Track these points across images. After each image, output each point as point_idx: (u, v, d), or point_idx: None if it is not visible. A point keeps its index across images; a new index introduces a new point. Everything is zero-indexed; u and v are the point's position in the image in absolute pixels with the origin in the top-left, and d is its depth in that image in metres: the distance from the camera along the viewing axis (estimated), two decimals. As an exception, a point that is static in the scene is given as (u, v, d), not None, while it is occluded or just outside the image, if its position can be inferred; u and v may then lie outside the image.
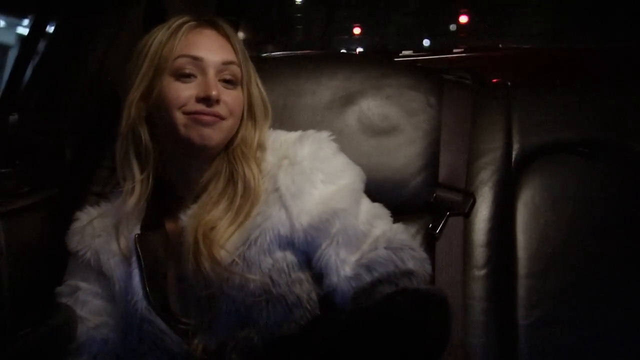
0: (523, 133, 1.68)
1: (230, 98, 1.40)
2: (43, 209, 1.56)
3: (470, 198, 1.63)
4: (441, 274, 1.56)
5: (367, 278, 1.33)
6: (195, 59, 1.39)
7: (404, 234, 1.43)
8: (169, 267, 1.44)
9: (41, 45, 1.66)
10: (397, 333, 1.26)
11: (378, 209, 1.44)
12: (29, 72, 1.64)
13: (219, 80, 1.40)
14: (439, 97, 1.71)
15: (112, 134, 1.47)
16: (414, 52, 2.86)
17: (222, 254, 1.35)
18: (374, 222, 1.40)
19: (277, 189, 1.38)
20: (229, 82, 1.41)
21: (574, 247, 1.59)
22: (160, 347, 1.39)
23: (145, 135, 1.42)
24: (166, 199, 1.47)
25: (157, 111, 1.41)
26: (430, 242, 1.61)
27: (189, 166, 1.44)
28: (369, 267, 1.34)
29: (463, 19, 8.58)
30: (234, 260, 1.35)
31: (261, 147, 1.45)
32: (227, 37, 1.44)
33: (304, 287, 1.38)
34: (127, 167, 1.43)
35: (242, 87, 1.43)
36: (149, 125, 1.43)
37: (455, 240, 1.61)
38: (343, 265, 1.35)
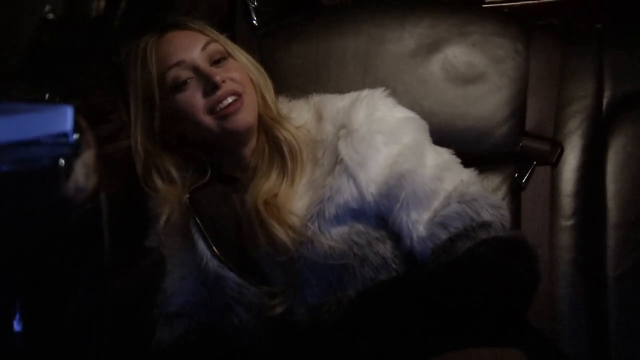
0: (615, 80, 1.63)
1: (231, 71, 1.41)
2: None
3: (558, 147, 1.60)
4: (527, 224, 1.55)
5: (443, 236, 1.31)
6: (180, 64, 1.40)
7: (476, 185, 1.38)
8: (240, 244, 1.45)
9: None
10: (483, 283, 1.25)
11: (447, 159, 1.40)
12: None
13: (211, 65, 1.41)
14: (527, 44, 1.66)
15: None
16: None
17: (294, 219, 1.35)
18: (443, 176, 1.36)
19: (340, 160, 1.36)
20: (220, 60, 1.42)
21: (667, 196, 1.54)
22: (241, 302, 1.40)
23: (166, 164, 1.44)
24: (222, 182, 1.48)
25: (179, 128, 1.43)
26: (515, 192, 1.59)
27: (238, 151, 1.44)
28: (443, 224, 1.32)
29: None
30: (307, 225, 1.35)
31: (318, 115, 1.45)
32: (186, 27, 1.45)
33: (387, 246, 1.37)
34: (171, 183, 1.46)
35: (232, 57, 1.44)
36: (169, 154, 1.44)
37: (542, 190, 1.58)
38: (415, 226, 1.33)
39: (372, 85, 1.50)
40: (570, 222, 1.57)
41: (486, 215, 1.32)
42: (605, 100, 1.62)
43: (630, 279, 1.52)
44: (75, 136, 0.78)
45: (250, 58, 1.49)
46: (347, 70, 1.68)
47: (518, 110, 1.63)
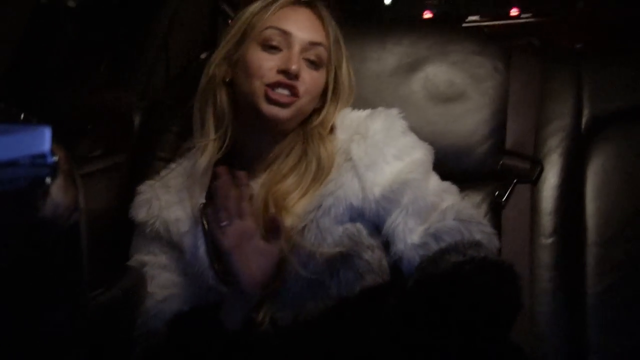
0: (593, 99, 1.64)
1: (310, 78, 1.41)
2: (113, 173, 1.60)
3: (538, 165, 1.61)
4: (507, 242, 1.55)
5: (434, 247, 1.33)
6: (284, 33, 1.41)
7: (473, 209, 1.43)
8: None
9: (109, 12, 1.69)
10: (465, 300, 1.25)
11: (447, 185, 1.44)
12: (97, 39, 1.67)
13: (303, 59, 1.41)
14: (506, 63, 1.68)
15: (180, 99, 1.49)
16: (480, 18, 2.80)
17: (293, 220, 1.36)
18: (444, 195, 1.40)
19: (350, 159, 1.39)
20: (313, 63, 1.42)
21: (646, 214, 1.55)
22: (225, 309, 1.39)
23: (222, 96, 1.45)
24: (236, 168, 1.48)
25: (238, 77, 1.43)
26: (496, 210, 1.60)
27: (262, 137, 1.45)
28: (436, 236, 1.34)
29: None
30: (305, 225, 1.36)
31: (333, 126, 1.47)
32: (321, 19, 1.45)
33: (375, 254, 1.38)
34: (202, 124, 1.46)
35: (327, 70, 1.45)
36: (228, 89, 1.45)
37: (522, 208, 1.59)
38: (411, 233, 1.35)
39: (355, 103, 1.52)
40: (550, 240, 1.57)
41: (478, 236, 1.34)
42: (584, 120, 1.64)
43: (610, 297, 1.52)
44: (53, 157, 0.78)
45: (352, 76, 1.50)
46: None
47: (498, 129, 1.64)
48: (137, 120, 1.74)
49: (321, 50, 1.43)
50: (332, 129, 1.47)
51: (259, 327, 1.36)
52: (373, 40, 1.73)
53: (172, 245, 1.47)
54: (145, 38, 1.76)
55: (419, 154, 1.42)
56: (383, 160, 1.38)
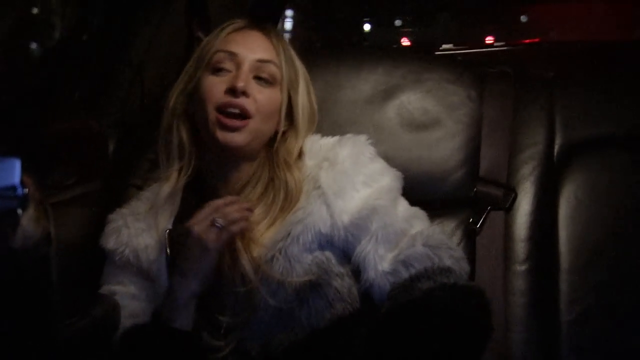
0: (566, 127, 1.66)
1: (262, 96, 1.41)
2: (87, 201, 1.59)
3: (511, 193, 1.62)
4: (481, 268, 1.56)
5: (404, 274, 1.33)
6: (231, 54, 1.41)
7: (442, 234, 1.42)
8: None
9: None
10: (437, 328, 1.26)
11: (416, 210, 1.44)
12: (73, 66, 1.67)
13: (254, 77, 1.41)
14: (480, 91, 1.69)
15: (154, 126, 1.49)
16: (454, 46, 2.83)
17: (261, 250, 1.36)
18: (413, 221, 1.41)
19: (318, 187, 1.39)
20: (264, 80, 1.42)
21: (617, 242, 1.57)
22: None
23: (183, 128, 1.45)
24: (204, 196, 1.47)
25: (195, 107, 1.44)
26: (470, 237, 1.60)
27: (226, 165, 1.45)
28: (406, 263, 1.34)
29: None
30: (274, 255, 1.36)
31: (301, 152, 1.46)
32: (270, 38, 1.45)
33: (344, 282, 1.39)
34: (167, 156, 1.46)
35: (280, 88, 1.44)
36: (189, 120, 1.45)
37: (496, 235, 1.60)
38: (381, 261, 1.35)
39: (329, 130, 1.52)
40: (524, 267, 1.58)
41: (448, 262, 1.34)
42: (556, 147, 1.65)
43: (583, 324, 1.53)
44: (24, 189, 0.78)
45: (313, 101, 1.49)
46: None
47: (472, 156, 1.66)
48: (111, 147, 1.73)
49: (272, 68, 1.42)
50: (300, 155, 1.46)
51: (222, 355, 1.36)
52: (348, 68, 1.74)
53: (142, 273, 1.47)
54: (120, 65, 1.76)
55: (387, 180, 1.42)
56: (352, 188, 1.38)
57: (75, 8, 1.64)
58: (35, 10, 1.61)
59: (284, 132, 1.45)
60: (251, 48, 1.43)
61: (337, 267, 1.39)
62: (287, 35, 3.37)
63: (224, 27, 1.46)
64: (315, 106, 1.50)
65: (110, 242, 1.48)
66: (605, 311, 1.54)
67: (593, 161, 1.63)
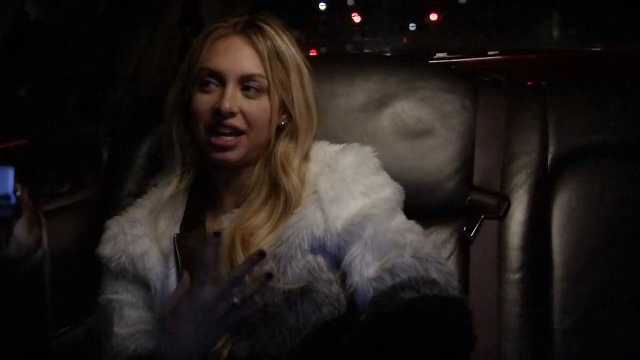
0: (559, 136, 1.66)
1: (252, 108, 1.40)
2: (81, 209, 1.59)
3: (505, 201, 1.62)
4: (475, 277, 1.56)
5: (388, 282, 1.33)
6: (215, 73, 1.40)
7: (433, 249, 1.42)
8: None
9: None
10: (417, 339, 1.27)
11: (411, 224, 1.44)
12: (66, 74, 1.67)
13: (242, 90, 1.40)
14: (474, 100, 1.70)
15: (148, 134, 1.49)
16: (448, 55, 2.85)
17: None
18: (406, 233, 1.40)
19: (315, 192, 1.40)
20: (251, 91, 1.41)
21: (611, 250, 1.57)
22: None
23: (182, 135, 1.46)
24: (208, 201, 1.48)
25: (190, 119, 1.44)
26: (464, 246, 1.61)
27: (226, 172, 1.45)
28: (392, 271, 1.34)
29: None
30: (267, 260, 1.36)
31: (305, 157, 1.46)
32: (255, 45, 1.42)
33: (333, 288, 1.39)
34: (170, 158, 1.48)
35: (269, 96, 1.41)
36: (188, 127, 1.45)
37: (490, 244, 1.60)
38: (367, 267, 1.35)
39: (323, 138, 1.53)
40: (517, 276, 1.58)
41: (434, 275, 1.34)
42: (549, 156, 1.66)
43: (577, 332, 1.53)
44: (17, 196, 0.78)
45: (310, 99, 1.47)
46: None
47: (466, 165, 1.66)
48: (105, 155, 1.73)
49: (258, 79, 1.41)
50: (306, 160, 1.46)
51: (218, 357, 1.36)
52: (342, 76, 1.75)
53: (138, 280, 1.47)
54: (114, 72, 1.76)
55: (387, 192, 1.43)
56: (349, 195, 1.39)
57: (69, 15, 1.64)
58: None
59: (283, 132, 1.45)
60: (235, 62, 1.40)
61: (327, 274, 1.39)
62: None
63: (209, 32, 1.44)
64: (312, 98, 1.48)
65: (106, 249, 1.49)
66: (599, 320, 1.54)
67: (586, 170, 1.63)
